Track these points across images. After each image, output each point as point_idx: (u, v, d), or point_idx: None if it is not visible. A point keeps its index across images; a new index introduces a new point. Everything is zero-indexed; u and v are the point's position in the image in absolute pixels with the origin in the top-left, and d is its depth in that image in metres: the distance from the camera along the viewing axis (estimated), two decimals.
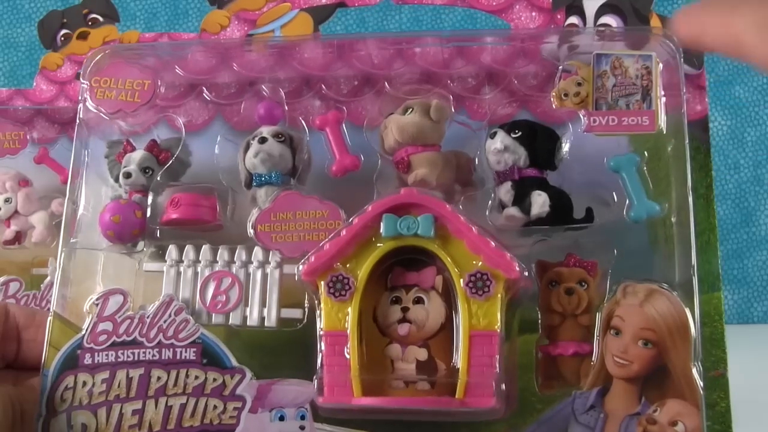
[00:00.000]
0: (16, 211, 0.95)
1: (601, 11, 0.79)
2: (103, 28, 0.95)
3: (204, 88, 0.80)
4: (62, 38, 0.97)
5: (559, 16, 0.80)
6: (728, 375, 0.66)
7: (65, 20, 0.97)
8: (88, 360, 0.68)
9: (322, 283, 0.66)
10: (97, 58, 0.78)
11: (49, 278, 0.92)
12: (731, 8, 0.46)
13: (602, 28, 0.75)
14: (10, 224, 0.95)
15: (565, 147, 0.71)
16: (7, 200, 0.95)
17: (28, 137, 0.97)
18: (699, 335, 0.64)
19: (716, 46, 0.47)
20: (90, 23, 0.96)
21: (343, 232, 0.66)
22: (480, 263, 0.64)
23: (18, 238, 0.95)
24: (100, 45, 0.95)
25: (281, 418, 0.65)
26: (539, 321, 0.68)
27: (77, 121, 0.77)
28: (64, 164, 0.94)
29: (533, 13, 0.81)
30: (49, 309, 0.88)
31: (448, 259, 0.65)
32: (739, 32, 0.44)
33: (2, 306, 0.72)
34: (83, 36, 0.96)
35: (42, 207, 0.96)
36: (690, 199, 0.68)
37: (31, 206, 0.95)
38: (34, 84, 0.97)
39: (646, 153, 0.71)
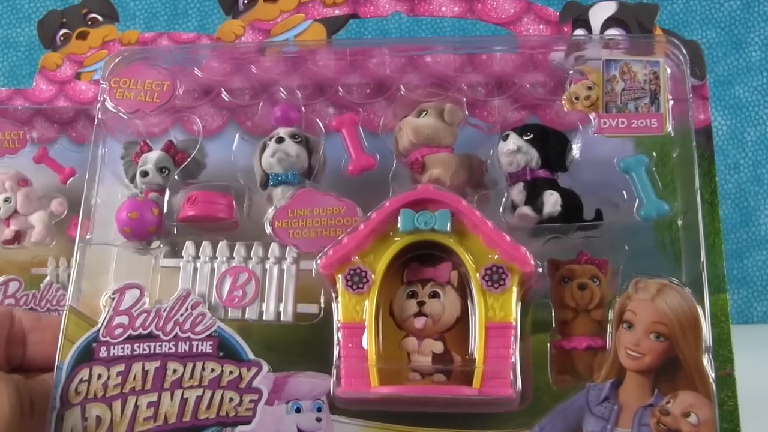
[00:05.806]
0: (15, 211, 0.94)
1: (607, 24, 0.82)
2: (103, 28, 0.96)
3: (220, 92, 0.81)
4: (62, 38, 0.97)
5: (566, 29, 0.83)
6: (735, 374, 0.67)
7: (65, 20, 0.98)
8: (103, 353, 0.68)
9: (340, 276, 0.66)
10: (117, 60, 0.79)
11: (48, 278, 0.92)
12: None
13: (609, 38, 0.78)
14: (9, 224, 0.95)
15: (575, 150, 0.73)
16: (6, 200, 0.94)
17: (27, 137, 0.97)
18: (710, 333, 0.66)
19: None
20: (89, 23, 0.96)
21: (361, 227, 0.67)
22: (496, 257, 0.65)
23: (17, 237, 0.95)
24: (99, 45, 0.96)
25: (297, 410, 0.66)
26: (552, 321, 0.69)
27: (96, 121, 0.78)
28: (64, 164, 0.95)
29: (541, 26, 0.84)
30: (49, 310, 0.89)
31: (465, 253, 0.66)
32: None
33: (7, 311, 0.72)
34: (83, 36, 0.96)
35: (41, 206, 0.95)
36: (698, 201, 0.70)
37: (31, 206, 0.95)
38: (34, 84, 0.97)
39: (654, 153, 0.72)
